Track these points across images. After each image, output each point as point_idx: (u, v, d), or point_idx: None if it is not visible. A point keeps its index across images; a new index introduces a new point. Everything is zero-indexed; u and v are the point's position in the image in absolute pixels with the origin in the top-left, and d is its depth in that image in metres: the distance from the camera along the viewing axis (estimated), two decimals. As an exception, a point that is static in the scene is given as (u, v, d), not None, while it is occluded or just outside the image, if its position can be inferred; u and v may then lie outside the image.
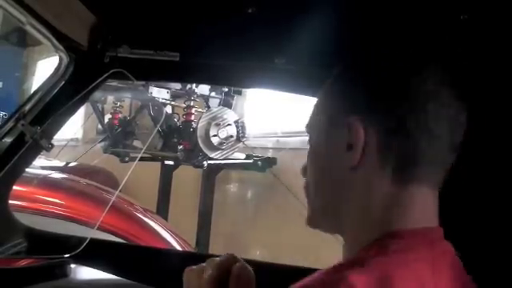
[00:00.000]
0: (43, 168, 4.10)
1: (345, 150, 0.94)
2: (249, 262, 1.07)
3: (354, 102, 0.96)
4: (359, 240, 0.93)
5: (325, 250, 4.29)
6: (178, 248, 3.48)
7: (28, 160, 1.83)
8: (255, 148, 5.45)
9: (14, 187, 1.89)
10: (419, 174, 0.93)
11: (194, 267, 1.07)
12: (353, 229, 0.96)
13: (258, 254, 5.32)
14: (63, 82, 1.76)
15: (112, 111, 5.78)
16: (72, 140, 6.27)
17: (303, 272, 0.87)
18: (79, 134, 7.21)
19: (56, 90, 1.76)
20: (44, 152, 1.83)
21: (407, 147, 0.92)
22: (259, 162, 5.32)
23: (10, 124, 1.75)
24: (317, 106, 1.06)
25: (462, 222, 1.27)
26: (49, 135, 1.77)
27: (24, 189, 3.00)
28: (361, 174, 0.93)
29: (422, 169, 0.93)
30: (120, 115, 5.76)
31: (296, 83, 1.67)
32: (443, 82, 0.94)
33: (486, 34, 1.35)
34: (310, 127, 1.05)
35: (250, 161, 5.33)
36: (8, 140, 1.75)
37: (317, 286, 0.81)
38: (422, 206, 0.93)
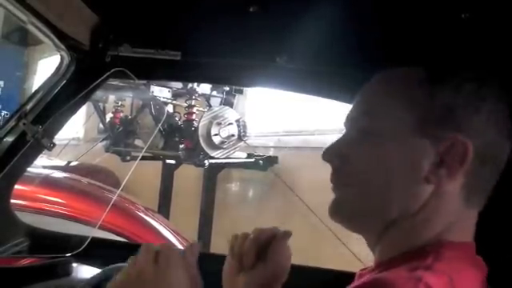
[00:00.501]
0: (45, 167, 4.11)
1: (432, 163, 0.91)
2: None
3: (462, 119, 0.92)
4: (400, 245, 0.93)
5: (325, 249, 4.29)
6: (180, 247, 3.48)
7: (29, 159, 1.83)
8: (256, 147, 5.45)
9: (16, 186, 1.89)
10: (481, 201, 0.97)
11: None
12: (396, 234, 0.95)
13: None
14: (65, 81, 1.76)
15: (113, 110, 5.77)
16: (73, 139, 6.27)
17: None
18: (81, 133, 7.22)
19: (57, 89, 1.76)
20: (45, 151, 1.83)
21: (488, 176, 0.95)
22: (260, 161, 5.32)
23: (12, 123, 1.75)
24: (386, 106, 0.96)
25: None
26: (50, 134, 1.77)
27: (26, 188, 3.01)
28: (436, 188, 0.92)
29: (485, 197, 0.97)
30: (121, 114, 5.76)
31: (297, 82, 1.67)
32: None
33: (487, 33, 1.35)
34: (375, 122, 0.96)
35: (252, 160, 5.33)
36: (9, 139, 1.75)
37: (398, 283, 0.80)
38: (472, 224, 0.97)
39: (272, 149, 5.59)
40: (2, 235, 1.88)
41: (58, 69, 1.76)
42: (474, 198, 0.95)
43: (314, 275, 1.78)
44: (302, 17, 1.43)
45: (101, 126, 5.89)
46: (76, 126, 6.31)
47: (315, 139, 4.80)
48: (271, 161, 5.34)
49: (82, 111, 6.12)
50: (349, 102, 1.66)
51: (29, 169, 1.97)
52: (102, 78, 1.73)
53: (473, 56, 1.37)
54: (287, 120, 5.43)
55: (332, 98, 1.73)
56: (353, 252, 3.77)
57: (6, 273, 1.72)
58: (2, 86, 9.34)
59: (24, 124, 1.72)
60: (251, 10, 1.46)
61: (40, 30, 1.59)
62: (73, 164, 5.51)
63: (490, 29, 1.33)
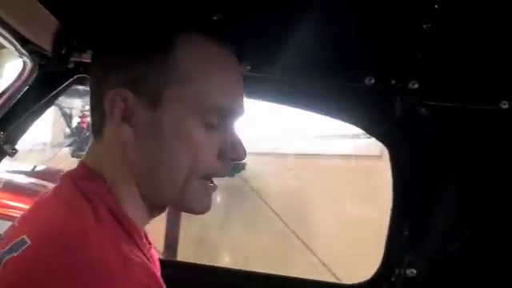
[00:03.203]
0: (9, 172, 4.06)
1: None
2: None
3: None
4: None
5: (292, 255, 4.30)
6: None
7: (-9, 165, 1.81)
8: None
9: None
10: None
11: None
12: None
13: (227, 259, 5.32)
14: (27, 87, 1.73)
15: (80, 115, 5.74)
16: (39, 144, 6.20)
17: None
18: (47, 138, 7.15)
19: (20, 95, 1.74)
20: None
21: None
22: (228, 167, 5.30)
23: (-27, 130, 1.72)
24: None
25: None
26: (12, 140, 1.75)
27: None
28: None
29: None
30: (88, 119, 5.71)
31: (283, 94, 1.65)
32: None
33: (448, 43, 1.37)
34: None
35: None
36: (-30, 145, 1.73)
37: None
38: None
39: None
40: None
41: (20, 74, 1.73)
42: None
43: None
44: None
45: (67, 130, 5.85)
46: (43, 131, 6.24)
47: (282, 146, 4.81)
48: (239, 167, 5.34)
49: (49, 116, 6.06)
50: (334, 116, 1.67)
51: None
52: (65, 84, 1.72)
53: (434, 65, 1.40)
54: (255, 126, 5.44)
55: (316, 110, 1.70)
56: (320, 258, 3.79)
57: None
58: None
59: (-14, 130, 1.69)
60: (215, 18, 1.45)
61: (2, 36, 1.57)
62: (38, 169, 5.45)
63: (451, 39, 1.35)
